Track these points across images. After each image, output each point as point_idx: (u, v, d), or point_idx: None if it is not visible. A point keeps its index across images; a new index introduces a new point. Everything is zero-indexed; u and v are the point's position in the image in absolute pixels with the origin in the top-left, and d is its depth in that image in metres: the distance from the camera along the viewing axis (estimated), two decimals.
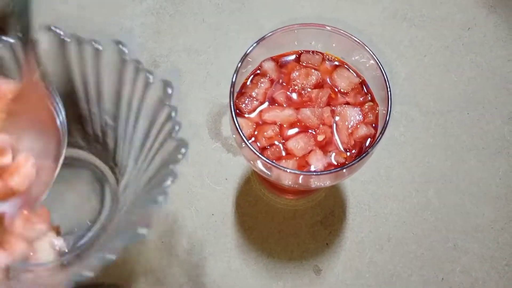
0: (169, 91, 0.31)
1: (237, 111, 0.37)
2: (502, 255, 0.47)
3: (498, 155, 0.51)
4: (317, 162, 0.35)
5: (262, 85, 0.37)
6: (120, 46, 0.32)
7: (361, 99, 0.37)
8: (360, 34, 0.57)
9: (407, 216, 0.49)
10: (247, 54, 0.35)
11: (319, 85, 0.38)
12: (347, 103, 0.37)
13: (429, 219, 0.49)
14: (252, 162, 0.35)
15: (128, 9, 0.59)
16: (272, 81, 0.38)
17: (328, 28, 0.37)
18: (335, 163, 0.36)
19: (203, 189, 0.50)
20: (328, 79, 0.38)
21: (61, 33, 0.33)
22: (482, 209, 0.49)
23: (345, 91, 0.38)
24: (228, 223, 0.49)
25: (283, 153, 0.36)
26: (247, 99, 0.37)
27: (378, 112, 0.37)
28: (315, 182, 0.35)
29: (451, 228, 0.48)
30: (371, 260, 0.47)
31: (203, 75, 0.55)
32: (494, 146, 0.51)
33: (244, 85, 0.38)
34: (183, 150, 0.30)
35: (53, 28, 0.33)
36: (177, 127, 0.30)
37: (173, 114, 0.31)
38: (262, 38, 0.36)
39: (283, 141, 0.36)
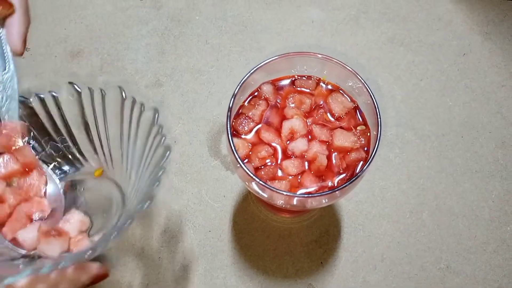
0: (156, 115, 0.38)
1: (234, 132, 0.39)
2: (494, 277, 0.48)
3: (491, 178, 0.53)
4: (310, 183, 0.37)
5: (259, 106, 0.39)
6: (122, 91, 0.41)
7: (354, 123, 0.40)
8: (359, 57, 0.60)
9: (401, 237, 0.50)
10: (245, 80, 0.38)
11: (313, 109, 0.40)
12: (341, 127, 0.39)
13: (423, 240, 0.50)
14: (246, 183, 0.37)
15: (134, 29, 0.62)
16: (268, 103, 0.40)
17: (321, 56, 0.39)
18: (328, 185, 0.38)
19: (202, 206, 0.52)
20: (323, 103, 0.40)
21: (78, 88, 0.42)
22: (475, 231, 0.50)
23: (339, 115, 0.40)
24: (225, 240, 0.50)
25: (277, 173, 0.38)
26: (244, 120, 0.39)
27: (370, 136, 0.39)
28: (307, 204, 0.37)
29: (444, 249, 0.50)
30: (365, 279, 0.49)
31: (205, 95, 0.58)
32: (488, 170, 0.53)
33: (241, 106, 0.40)
34: (168, 153, 0.36)
35: (70, 82, 0.42)
36: (163, 138, 0.36)
37: (161, 130, 0.37)
38: (259, 65, 0.38)
39: (277, 161, 0.39)
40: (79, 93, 0.42)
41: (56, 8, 0.64)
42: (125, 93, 0.42)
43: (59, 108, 0.43)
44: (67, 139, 0.44)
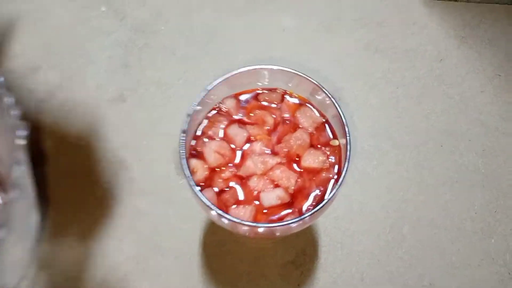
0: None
1: (193, 152, 0.37)
2: None
3: (472, 188, 0.51)
4: (277, 209, 0.35)
5: (220, 124, 0.37)
6: None
7: (324, 140, 0.37)
8: (334, 65, 0.58)
9: (381, 254, 0.48)
10: (202, 99, 0.35)
11: (280, 125, 0.38)
12: (311, 146, 0.37)
13: (404, 257, 0.48)
14: (206, 212, 0.35)
15: (95, 42, 0.60)
16: (231, 120, 0.38)
17: (290, 70, 0.37)
18: (297, 210, 0.35)
19: (169, 229, 0.49)
20: (291, 118, 0.38)
21: None
22: (458, 245, 0.49)
23: (309, 131, 0.38)
24: (194, 264, 0.48)
25: (243, 197, 0.35)
26: (205, 140, 0.37)
27: (341, 153, 0.37)
28: (275, 233, 0.35)
29: (427, 266, 0.48)
30: None
31: (172, 109, 0.56)
32: (469, 179, 0.52)
33: (200, 124, 0.38)
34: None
35: None
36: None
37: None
38: (218, 81, 0.36)
39: (240, 182, 0.36)
40: None
41: (9, 20, 0.61)
42: None
43: None
44: None
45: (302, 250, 0.48)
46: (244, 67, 0.38)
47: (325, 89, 0.36)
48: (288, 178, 0.35)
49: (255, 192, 0.35)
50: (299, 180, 0.36)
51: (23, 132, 0.32)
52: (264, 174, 0.36)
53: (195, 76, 0.58)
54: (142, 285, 0.47)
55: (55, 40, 0.60)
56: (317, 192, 0.36)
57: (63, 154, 0.53)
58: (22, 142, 0.32)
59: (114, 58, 0.59)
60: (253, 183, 0.36)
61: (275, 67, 0.37)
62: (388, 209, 0.50)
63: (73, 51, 0.59)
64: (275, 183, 0.36)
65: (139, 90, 0.57)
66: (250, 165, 0.36)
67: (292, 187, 0.35)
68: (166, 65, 0.58)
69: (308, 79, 0.37)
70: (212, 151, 0.36)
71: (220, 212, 0.32)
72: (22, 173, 0.34)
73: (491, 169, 0.52)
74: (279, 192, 0.35)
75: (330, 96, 0.36)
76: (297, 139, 0.36)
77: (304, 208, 0.36)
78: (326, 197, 0.34)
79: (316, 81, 0.37)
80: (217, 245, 0.48)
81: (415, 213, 0.50)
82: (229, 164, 0.37)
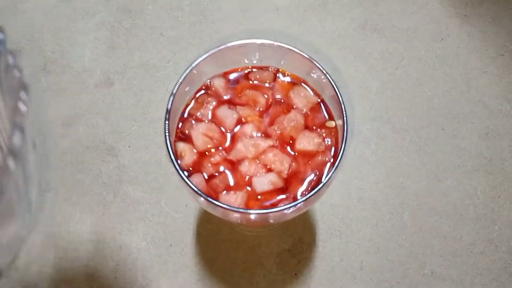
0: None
1: (181, 135, 0.35)
2: (482, 281, 0.45)
3: (475, 173, 0.50)
4: (270, 195, 0.33)
5: (208, 105, 0.35)
6: None
7: (319, 121, 0.35)
8: (329, 46, 0.56)
9: (380, 242, 0.47)
10: (186, 75, 0.33)
11: (272, 106, 0.36)
12: (306, 128, 0.35)
13: (405, 244, 0.47)
14: (195, 199, 0.33)
15: (80, 23, 0.57)
16: (220, 100, 0.36)
17: (282, 45, 0.35)
18: (292, 195, 0.33)
19: (161, 217, 0.47)
20: (284, 98, 0.36)
21: None
22: (460, 232, 0.47)
23: (303, 112, 0.36)
24: (188, 254, 0.46)
25: (234, 182, 0.34)
26: (192, 122, 0.35)
27: (337, 136, 0.35)
28: (268, 219, 0.33)
29: (428, 253, 0.46)
30: None
31: (162, 93, 0.53)
32: (471, 164, 0.50)
33: (188, 105, 0.36)
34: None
35: None
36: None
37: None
38: (204, 56, 0.34)
39: (230, 169, 0.34)
40: None
41: None
42: None
43: None
44: None
45: (299, 238, 0.47)
46: (232, 42, 0.35)
47: (321, 66, 0.34)
48: (282, 162, 0.33)
49: (247, 177, 0.34)
50: (293, 164, 0.34)
51: (26, 96, 0.30)
52: (255, 158, 0.34)
53: (185, 58, 0.55)
54: (135, 275, 0.45)
55: (37, 21, 0.57)
56: (313, 176, 0.34)
57: (48, 141, 0.51)
58: (24, 107, 0.30)
59: (100, 40, 0.56)
60: (244, 167, 0.34)
61: (266, 42, 0.35)
62: (387, 195, 0.49)
63: (56, 33, 0.56)
64: (268, 167, 0.34)
65: (127, 74, 0.54)
66: (241, 148, 0.34)
67: (286, 172, 0.33)
68: (154, 46, 0.56)
69: (302, 55, 0.34)
70: (200, 134, 0.34)
71: (209, 198, 0.30)
72: (21, 142, 0.31)
73: (495, 153, 0.50)
74: (272, 176, 0.33)
75: (326, 73, 0.34)
76: (291, 121, 0.34)
77: (299, 193, 0.34)
78: (323, 181, 0.32)
79: (311, 57, 0.34)
80: (212, 234, 0.47)
81: (416, 199, 0.48)
82: (219, 148, 0.35)
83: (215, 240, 0.47)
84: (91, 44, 0.56)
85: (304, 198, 0.30)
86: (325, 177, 0.33)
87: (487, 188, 0.49)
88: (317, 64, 0.34)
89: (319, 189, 0.31)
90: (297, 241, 0.47)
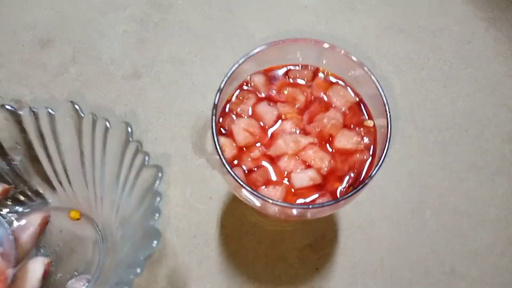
0: (129, 130, 0.39)
1: (221, 129, 0.36)
2: (501, 281, 0.47)
3: (497, 175, 0.51)
4: (309, 191, 0.34)
5: (248, 101, 0.36)
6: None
7: (357, 119, 0.36)
8: (355, 46, 0.57)
9: (401, 240, 0.48)
10: (233, 72, 0.35)
11: (311, 104, 0.37)
12: (345, 126, 0.36)
13: (425, 243, 0.48)
14: (235, 191, 0.34)
15: (110, 15, 0.59)
16: (259, 97, 0.37)
17: (319, 43, 0.36)
18: (328, 192, 0.35)
19: (185, 209, 0.49)
20: (323, 97, 0.37)
21: (78, 108, 0.42)
22: (481, 232, 0.48)
23: (342, 111, 0.37)
24: (212, 245, 0.48)
25: (273, 177, 0.35)
26: (232, 117, 0.36)
27: (376, 134, 0.36)
28: (307, 215, 0.34)
29: (448, 252, 0.48)
30: (364, 286, 0.46)
31: (188, 87, 0.55)
32: (494, 166, 0.51)
33: (228, 100, 0.37)
34: (159, 175, 0.33)
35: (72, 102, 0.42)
36: (147, 157, 0.36)
37: (139, 147, 0.37)
38: (251, 54, 0.35)
39: (272, 163, 0.36)
40: (78, 117, 0.42)
41: None
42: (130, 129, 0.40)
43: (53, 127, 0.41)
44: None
45: (322, 234, 0.48)
46: (275, 41, 0.37)
47: (365, 65, 0.35)
48: (322, 159, 0.34)
49: (286, 173, 0.35)
50: (332, 161, 0.35)
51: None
52: (295, 154, 0.35)
53: (212, 54, 0.57)
54: (160, 265, 0.47)
55: (68, 13, 0.59)
56: (351, 174, 0.35)
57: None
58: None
59: (129, 33, 0.58)
60: (284, 163, 0.35)
61: (308, 41, 0.36)
62: (409, 194, 0.50)
63: (86, 25, 0.58)
64: (307, 163, 0.35)
65: (155, 67, 0.56)
66: (281, 144, 0.35)
67: (326, 168, 0.35)
68: (182, 41, 0.57)
69: (345, 55, 0.36)
70: (241, 129, 0.36)
71: (251, 190, 0.31)
72: None
73: None
74: (311, 173, 0.35)
75: (370, 73, 0.35)
76: (331, 119, 0.35)
77: (338, 191, 0.35)
78: (366, 180, 0.33)
79: (356, 59, 0.36)
80: (235, 227, 0.48)
81: (438, 199, 0.50)
82: (258, 143, 0.36)
83: (238, 233, 0.48)
84: (120, 37, 0.57)
85: (346, 196, 0.32)
86: (368, 176, 0.34)
87: (508, 190, 0.50)
88: (361, 63, 0.35)
89: (361, 187, 0.32)
90: (319, 237, 0.48)
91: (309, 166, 0.35)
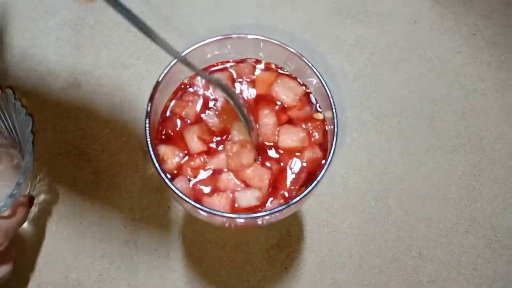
0: None
1: (163, 137, 0.34)
2: (468, 259, 0.48)
3: (455, 154, 0.51)
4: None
5: (193, 104, 0.34)
6: None
7: (306, 114, 0.35)
8: (304, 34, 0.56)
9: (367, 228, 0.48)
10: (163, 78, 0.32)
11: (257, 101, 0.35)
12: (289, 121, 0.35)
13: (391, 229, 0.48)
14: (179, 203, 0.33)
15: (40, 22, 0.55)
16: (205, 97, 0.35)
17: (254, 36, 0.35)
18: (279, 195, 0.33)
19: (142, 222, 0.47)
20: (269, 91, 0.36)
21: None
22: (444, 213, 0.49)
23: (290, 105, 0.35)
24: (175, 257, 0.46)
25: (216, 185, 0.33)
26: (177, 122, 0.34)
27: (325, 128, 0.35)
28: (256, 223, 0.33)
29: (414, 236, 0.48)
30: (334, 280, 0.46)
31: (134, 92, 0.53)
32: (451, 144, 0.52)
33: (167, 105, 0.35)
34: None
35: None
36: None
37: None
38: (180, 57, 0.33)
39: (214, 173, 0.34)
40: None
41: None
42: None
43: None
44: None
45: (287, 231, 0.48)
46: (210, 38, 0.35)
47: (304, 57, 0.34)
48: (261, 178, 0.33)
49: (229, 192, 0.33)
50: (273, 173, 0.33)
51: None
52: (235, 170, 0.34)
53: (156, 54, 0.54)
54: (119, 284, 0.45)
55: None
56: (301, 174, 0.34)
57: None
58: None
59: (63, 39, 0.55)
60: (224, 182, 0.33)
61: (249, 36, 0.35)
62: (371, 182, 0.50)
63: (16, 35, 0.54)
64: (247, 183, 0.33)
65: (95, 73, 0.53)
66: (223, 158, 0.34)
67: (266, 188, 0.33)
68: (122, 44, 0.55)
69: (282, 47, 0.34)
70: (195, 136, 0.33)
71: (196, 204, 0.30)
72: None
73: (473, 132, 0.52)
74: (254, 193, 0.33)
75: (310, 65, 0.34)
76: (267, 124, 0.34)
77: (290, 193, 0.34)
78: (318, 177, 0.32)
79: (294, 49, 0.34)
80: (197, 234, 0.47)
81: (399, 184, 0.50)
82: (203, 150, 0.34)
83: (201, 241, 0.47)
84: (53, 45, 0.54)
85: (296, 200, 0.30)
86: (318, 175, 0.32)
87: (467, 167, 0.51)
88: (299, 54, 0.34)
89: (313, 187, 0.31)
90: (284, 235, 0.48)
91: (248, 186, 0.33)
